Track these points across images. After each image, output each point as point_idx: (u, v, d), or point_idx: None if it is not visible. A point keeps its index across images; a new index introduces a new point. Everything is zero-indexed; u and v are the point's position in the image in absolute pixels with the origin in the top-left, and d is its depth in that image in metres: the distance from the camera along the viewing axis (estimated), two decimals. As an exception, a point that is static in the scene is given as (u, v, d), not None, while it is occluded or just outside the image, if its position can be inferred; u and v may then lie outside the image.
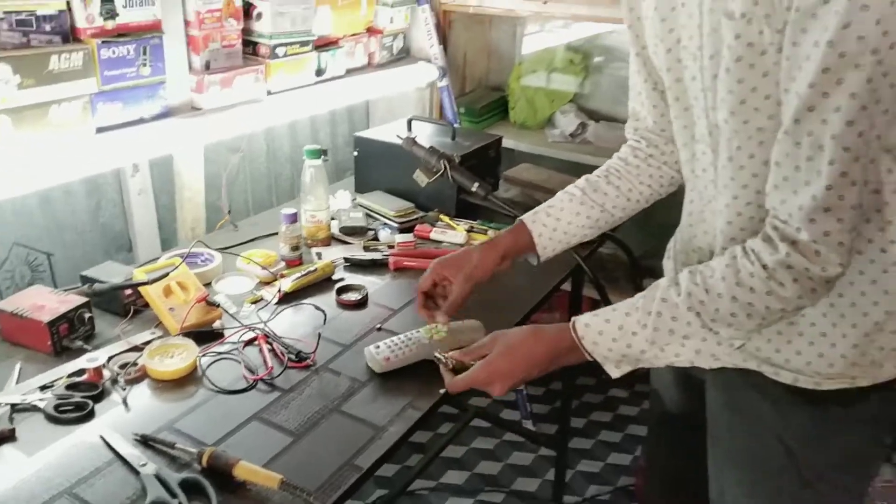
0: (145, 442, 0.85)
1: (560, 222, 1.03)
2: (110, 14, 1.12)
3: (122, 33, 1.15)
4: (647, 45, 0.93)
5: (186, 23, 1.27)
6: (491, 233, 1.43)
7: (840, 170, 0.67)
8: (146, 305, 1.12)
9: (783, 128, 0.71)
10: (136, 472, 0.80)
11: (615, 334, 0.82)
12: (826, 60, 0.64)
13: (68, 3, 1.08)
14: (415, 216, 1.50)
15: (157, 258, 1.26)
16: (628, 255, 1.60)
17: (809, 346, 0.82)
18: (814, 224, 0.69)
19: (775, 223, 0.73)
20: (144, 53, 1.19)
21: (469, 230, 1.45)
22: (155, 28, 1.20)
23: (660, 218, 1.23)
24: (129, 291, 1.11)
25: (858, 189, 0.68)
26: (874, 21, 0.61)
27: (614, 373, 0.84)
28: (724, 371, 0.89)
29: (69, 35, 1.10)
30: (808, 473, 0.86)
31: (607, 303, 0.94)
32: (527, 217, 1.05)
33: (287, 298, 1.20)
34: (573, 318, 0.85)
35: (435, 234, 1.44)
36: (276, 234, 1.33)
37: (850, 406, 0.84)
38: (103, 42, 1.12)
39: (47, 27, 1.06)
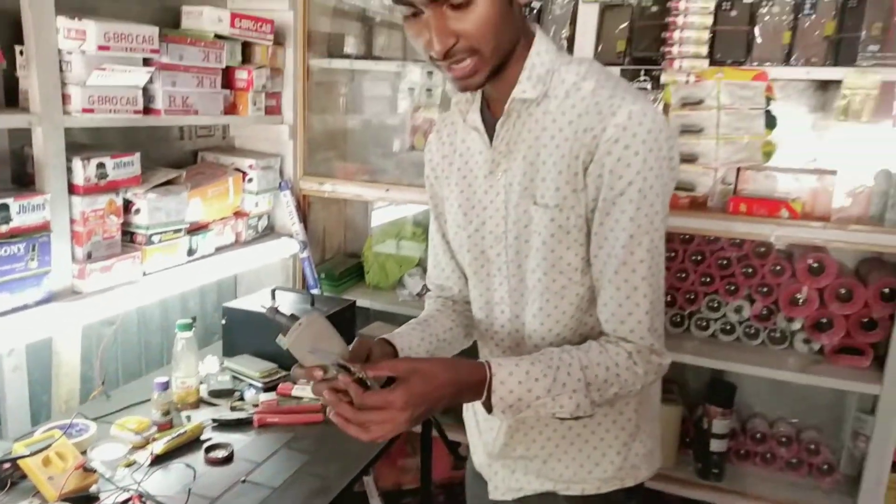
0: None
1: (407, 340, 1.11)
2: (5, 220, 1.31)
3: (15, 234, 1.33)
4: (447, 232, 1.17)
5: (72, 220, 1.47)
6: (346, 386, 1.66)
7: (651, 298, 0.96)
8: (23, 476, 1.22)
9: (606, 277, 0.97)
10: None
11: (521, 377, 0.93)
12: (630, 231, 0.94)
13: (-33, 214, 1.26)
14: (278, 376, 1.70)
15: (33, 431, 1.36)
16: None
17: (589, 458, 1.10)
18: (648, 334, 0.97)
19: (620, 338, 0.98)
20: (33, 250, 1.37)
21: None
22: (44, 228, 1.39)
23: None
24: (6, 465, 1.21)
25: (662, 305, 0.99)
26: (650, 204, 0.93)
27: (498, 415, 0.94)
28: (524, 499, 1.15)
29: (-35, 239, 1.27)
30: None
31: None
32: (385, 336, 1.09)
33: (159, 460, 1.34)
34: (486, 359, 0.95)
35: (296, 391, 1.64)
36: (148, 400, 1.48)
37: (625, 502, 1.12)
38: (-3, 243, 1.30)
39: (-54, 233, 1.23)
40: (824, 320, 1.87)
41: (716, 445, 1.94)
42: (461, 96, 1.07)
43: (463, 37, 0.89)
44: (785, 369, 1.85)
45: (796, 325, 1.94)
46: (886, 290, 1.78)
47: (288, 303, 1.87)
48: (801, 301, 1.88)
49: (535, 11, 1.91)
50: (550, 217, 0.99)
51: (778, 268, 1.91)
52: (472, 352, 1.20)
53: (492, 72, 0.95)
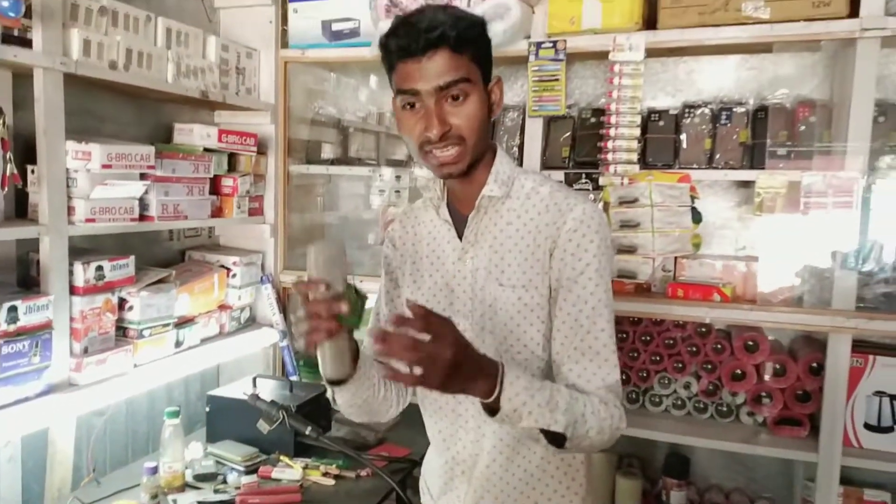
0: None
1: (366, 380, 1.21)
2: (13, 320, 1.46)
3: (21, 332, 1.48)
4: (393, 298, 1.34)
5: (71, 318, 1.62)
6: (323, 468, 1.78)
7: (612, 361, 1.12)
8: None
9: (572, 345, 1.12)
10: None
11: (526, 384, 1.01)
12: (591, 303, 1.11)
13: (-19, 316, 1.41)
14: (258, 459, 1.81)
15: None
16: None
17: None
18: (612, 393, 1.11)
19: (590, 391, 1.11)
20: (36, 346, 1.51)
21: (305, 467, 1.79)
22: (47, 326, 1.54)
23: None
24: (5, 548, 1.32)
25: (619, 369, 1.14)
26: (606, 282, 1.13)
27: (503, 416, 1.00)
28: None
29: (-23, 340, 1.41)
30: None
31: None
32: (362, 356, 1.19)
33: (147, 541, 1.44)
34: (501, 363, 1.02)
35: (275, 473, 1.76)
36: (136, 485, 1.59)
37: None
38: (5, 341, 1.44)
39: (-40, 334, 1.37)
40: (764, 394, 2.04)
41: (674, 516, 2.06)
42: (431, 194, 1.26)
43: (455, 126, 1.10)
44: (732, 440, 2.00)
45: (740, 399, 2.10)
46: (815, 365, 1.96)
47: (268, 390, 2.00)
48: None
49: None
50: (518, 296, 1.16)
51: (719, 346, 2.10)
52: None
53: (470, 164, 1.14)
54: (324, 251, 1.07)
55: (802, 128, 1.93)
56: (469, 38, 1.10)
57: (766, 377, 2.02)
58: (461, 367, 0.95)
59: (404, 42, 1.09)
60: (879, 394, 1.89)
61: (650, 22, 1.90)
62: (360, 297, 1.08)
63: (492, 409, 1.01)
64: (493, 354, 1.11)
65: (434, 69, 1.08)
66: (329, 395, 1.23)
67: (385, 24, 1.92)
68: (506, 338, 1.18)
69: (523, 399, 1.00)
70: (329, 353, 1.10)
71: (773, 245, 1.94)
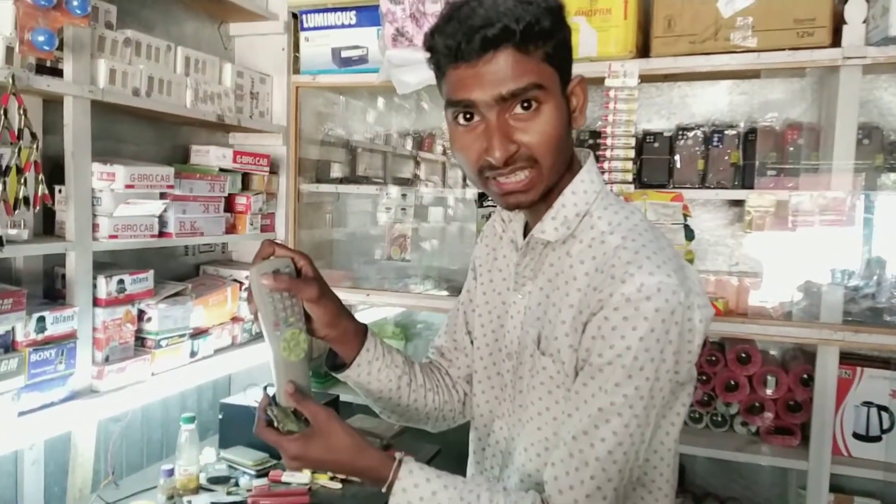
0: None
1: (376, 364, 1.07)
2: (41, 329, 1.56)
3: (49, 341, 1.58)
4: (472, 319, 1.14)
5: (94, 328, 1.72)
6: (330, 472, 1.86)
7: (597, 483, 0.86)
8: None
9: (564, 437, 0.89)
10: None
11: (425, 494, 0.87)
12: (600, 403, 0.86)
13: (14, 327, 1.51)
14: (269, 464, 1.90)
15: (52, 517, 1.56)
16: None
17: None
18: None
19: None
20: (62, 354, 1.61)
21: (313, 471, 1.87)
22: (71, 336, 1.63)
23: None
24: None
25: (610, 498, 0.89)
26: (635, 387, 0.85)
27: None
28: None
29: (10, 346, 1.51)
30: None
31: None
32: (370, 338, 1.07)
33: (164, 539, 1.53)
34: (400, 458, 0.91)
35: (285, 477, 1.84)
36: (153, 487, 1.68)
37: None
38: (33, 349, 1.54)
39: (-7, 343, 1.47)
40: (756, 404, 2.11)
41: (668, 524, 2.12)
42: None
43: (524, 146, 0.87)
44: (727, 449, 2.07)
45: (734, 409, 2.17)
46: (805, 376, 2.03)
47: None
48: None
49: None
50: (543, 365, 0.95)
51: (712, 358, 2.17)
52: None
53: (545, 192, 0.92)
54: (255, 277, 0.97)
55: (791, 149, 2.01)
56: (541, 32, 0.85)
57: (758, 388, 2.09)
58: (322, 467, 0.97)
59: (454, 42, 0.85)
60: (867, 404, 1.97)
61: (644, 50, 2.00)
62: (300, 334, 0.98)
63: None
64: (527, 415, 0.99)
65: (494, 75, 0.84)
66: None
67: (392, 53, 2.05)
68: (534, 402, 0.99)
69: (420, 494, 0.88)
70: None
71: (764, 261, 2.03)
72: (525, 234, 1.02)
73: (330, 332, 1.03)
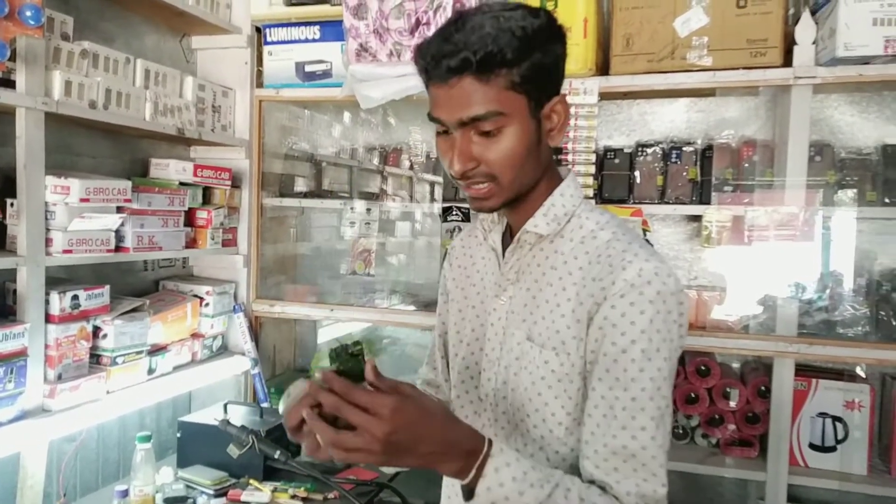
0: None
1: None
2: (-11, 348, 1.52)
3: (-3, 360, 1.53)
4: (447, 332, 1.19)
5: (46, 345, 1.67)
6: (291, 491, 1.83)
7: (653, 467, 0.89)
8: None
9: (602, 439, 0.90)
10: None
11: (517, 474, 0.84)
12: (633, 393, 0.89)
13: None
14: (228, 483, 1.86)
15: (-2, 541, 1.50)
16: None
17: None
18: (651, 499, 0.89)
19: (615, 497, 0.90)
20: (11, 373, 1.56)
21: (273, 490, 1.84)
22: (22, 353, 1.59)
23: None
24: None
25: (662, 470, 0.92)
26: (657, 368, 0.89)
27: (465, 494, 0.86)
28: None
29: (-45, 366, 1.46)
30: None
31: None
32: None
33: (116, 563, 1.48)
34: (489, 438, 0.87)
35: (245, 497, 1.80)
36: (107, 510, 1.63)
37: None
38: (-20, 369, 1.49)
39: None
40: (716, 416, 2.14)
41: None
42: (486, 214, 1.09)
43: (484, 163, 0.93)
44: (687, 462, 2.09)
45: (694, 422, 2.20)
46: (762, 388, 2.07)
47: (239, 416, 2.05)
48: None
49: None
50: (545, 359, 0.97)
51: (673, 371, 2.20)
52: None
53: (507, 201, 0.97)
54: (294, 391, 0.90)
55: (747, 166, 2.06)
56: (503, 62, 0.88)
57: (717, 400, 2.12)
58: (408, 446, 0.79)
59: (425, 63, 0.93)
60: (823, 415, 2.01)
61: (604, 68, 2.03)
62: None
63: (470, 491, 0.85)
64: (513, 422, 1.00)
65: (458, 100, 0.90)
66: None
67: (356, 68, 2.05)
68: (523, 405, 1.00)
69: (506, 493, 0.83)
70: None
71: (722, 275, 2.07)
72: (503, 244, 1.08)
73: None
